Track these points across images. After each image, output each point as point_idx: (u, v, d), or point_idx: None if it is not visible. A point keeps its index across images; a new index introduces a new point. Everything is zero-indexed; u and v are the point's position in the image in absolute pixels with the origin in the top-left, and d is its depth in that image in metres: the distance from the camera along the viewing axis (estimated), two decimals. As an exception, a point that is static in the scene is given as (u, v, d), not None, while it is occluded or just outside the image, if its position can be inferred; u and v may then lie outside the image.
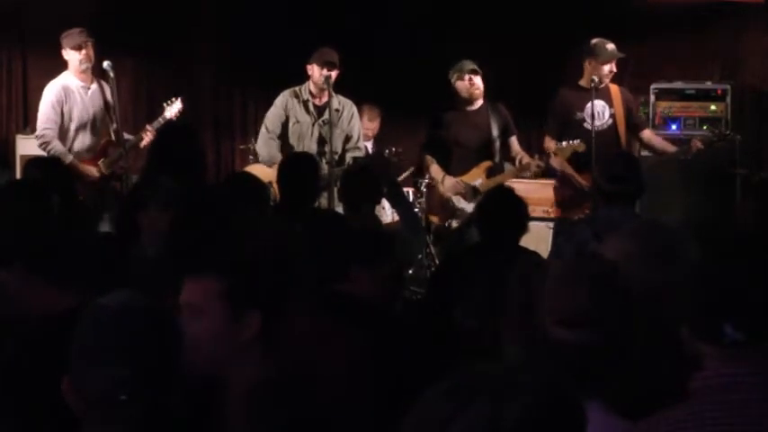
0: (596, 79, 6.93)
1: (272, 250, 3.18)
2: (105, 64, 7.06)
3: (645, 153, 7.51)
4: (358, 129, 7.44)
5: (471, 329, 3.38)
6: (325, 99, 7.20)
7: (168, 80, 9.37)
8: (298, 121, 7.29)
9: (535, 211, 5.93)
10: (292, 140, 7.26)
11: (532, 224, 5.08)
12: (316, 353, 2.70)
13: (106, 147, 7.11)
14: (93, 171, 7.02)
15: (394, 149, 7.59)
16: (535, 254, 4.77)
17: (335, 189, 6.65)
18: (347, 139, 7.33)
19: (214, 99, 9.67)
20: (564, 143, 7.04)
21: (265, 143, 7.31)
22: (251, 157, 8.05)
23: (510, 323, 2.64)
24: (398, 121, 9.04)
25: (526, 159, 7.30)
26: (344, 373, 2.84)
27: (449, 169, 7.42)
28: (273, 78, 8.05)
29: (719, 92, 8.42)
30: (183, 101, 7.28)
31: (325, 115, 7.18)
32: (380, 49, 9.11)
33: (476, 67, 7.36)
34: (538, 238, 6.38)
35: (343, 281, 3.42)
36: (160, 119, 7.14)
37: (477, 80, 7.36)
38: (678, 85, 8.49)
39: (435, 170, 7.45)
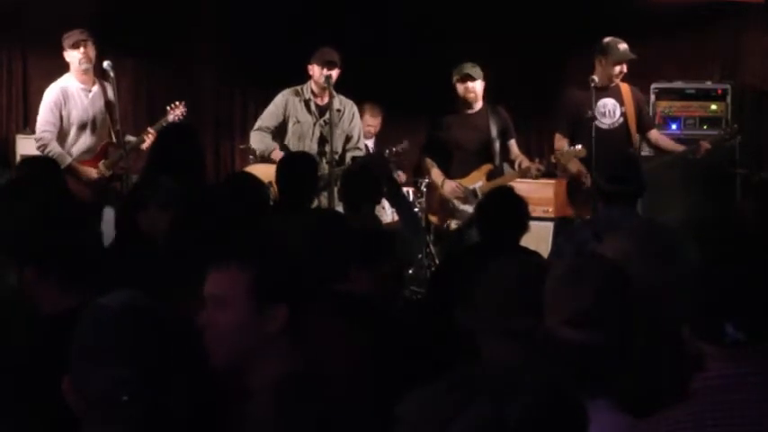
0: (596, 79, 6.92)
1: (297, 246, 3.20)
2: (105, 64, 7.06)
3: (645, 153, 7.50)
4: (358, 129, 7.44)
5: (471, 329, 3.37)
6: (326, 99, 7.20)
7: (168, 80, 9.37)
8: (298, 121, 7.29)
9: (535, 211, 5.91)
10: (293, 140, 7.26)
11: (532, 224, 5.08)
12: (319, 352, 2.70)
13: (106, 148, 7.12)
14: (92, 172, 7.02)
15: (394, 149, 7.59)
16: (536, 254, 4.77)
17: (336, 189, 6.65)
18: (348, 139, 7.33)
19: (214, 99, 9.67)
20: (565, 149, 7.04)
21: (259, 137, 7.34)
22: (251, 157, 8.05)
23: (484, 321, 2.65)
24: (398, 121, 9.05)
25: (526, 163, 7.30)
26: (346, 373, 2.84)
27: (448, 172, 7.42)
28: (273, 78, 8.05)
29: (720, 91, 8.43)
30: (185, 105, 7.28)
31: (327, 115, 7.18)
32: (380, 50, 9.11)
33: (471, 72, 7.32)
34: (538, 238, 6.38)
35: (343, 281, 3.42)
36: (162, 121, 7.15)
37: (472, 85, 7.33)
38: (678, 84, 8.50)
39: (435, 174, 7.44)
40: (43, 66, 8.74)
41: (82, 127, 7.09)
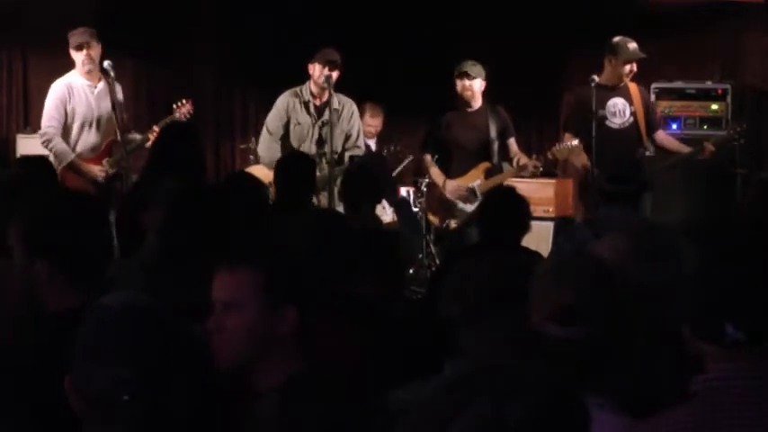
0: (596, 78, 6.92)
1: (297, 246, 3.19)
2: (105, 64, 7.06)
3: (648, 153, 7.50)
4: (358, 127, 7.43)
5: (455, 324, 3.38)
6: (325, 98, 7.20)
7: (168, 80, 9.38)
8: (299, 123, 7.29)
9: (536, 210, 5.92)
10: (293, 142, 7.25)
11: (533, 224, 5.07)
12: (325, 353, 2.70)
13: (111, 146, 7.14)
14: (95, 170, 7.04)
15: (393, 147, 7.59)
16: (536, 254, 4.77)
17: (336, 189, 6.65)
18: (347, 138, 7.33)
19: (214, 99, 9.67)
20: (560, 144, 7.04)
21: (267, 146, 7.31)
22: (251, 156, 8.05)
23: (475, 319, 2.66)
24: (399, 121, 9.05)
25: (524, 160, 7.30)
26: (346, 373, 2.84)
27: (447, 170, 7.42)
28: (273, 78, 8.05)
29: (720, 91, 8.43)
30: (192, 103, 7.28)
31: (326, 115, 7.17)
32: (380, 49, 9.11)
33: (469, 70, 7.32)
34: (538, 238, 6.38)
35: (345, 281, 3.41)
36: (168, 120, 7.16)
37: (468, 83, 7.34)
38: (678, 84, 8.50)
39: (436, 174, 7.44)
40: (43, 65, 8.74)
41: (86, 124, 7.12)
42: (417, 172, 8.20)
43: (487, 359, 2.41)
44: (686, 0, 9.08)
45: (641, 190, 5.01)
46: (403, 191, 8.28)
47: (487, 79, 7.43)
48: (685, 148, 7.32)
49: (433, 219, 7.61)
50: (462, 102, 7.42)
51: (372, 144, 8.76)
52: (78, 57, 7.08)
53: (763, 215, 4.71)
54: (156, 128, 7.02)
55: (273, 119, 7.35)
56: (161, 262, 3.73)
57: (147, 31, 9.10)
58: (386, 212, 7.83)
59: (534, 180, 7.68)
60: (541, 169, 7.44)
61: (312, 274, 2.58)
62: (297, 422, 2.33)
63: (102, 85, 7.15)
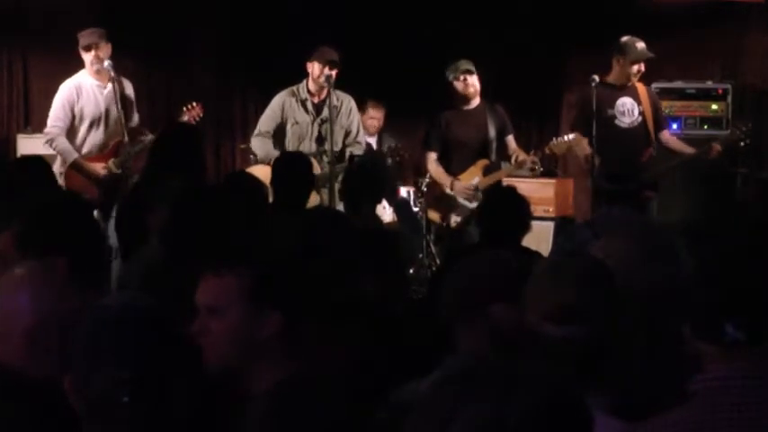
0: (597, 78, 6.91)
1: (291, 250, 3.18)
2: (106, 63, 7.09)
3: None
4: (357, 123, 7.42)
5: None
6: (324, 95, 7.20)
7: (168, 80, 9.37)
8: (297, 122, 7.28)
9: (536, 210, 5.91)
10: (293, 141, 7.25)
11: (533, 224, 5.07)
12: (318, 354, 2.70)
13: (118, 146, 7.15)
14: (99, 169, 7.05)
15: (394, 144, 7.58)
16: (536, 253, 4.77)
17: (336, 188, 6.65)
18: (347, 134, 7.32)
19: (214, 99, 9.65)
20: (557, 139, 7.06)
21: (260, 143, 7.34)
22: (251, 156, 8.04)
23: (449, 310, 2.67)
24: (399, 121, 9.05)
25: (522, 156, 7.32)
26: (344, 374, 2.84)
27: (447, 168, 7.43)
28: (273, 78, 8.04)
29: (720, 91, 8.43)
30: (202, 106, 7.30)
31: (324, 113, 7.17)
32: (380, 49, 9.11)
33: (470, 66, 7.36)
34: (539, 238, 6.38)
35: (345, 280, 3.41)
36: (177, 122, 7.17)
37: (472, 79, 7.36)
38: (679, 84, 8.50)
39: (440, 174, 7.44)
40: (44, 66, 8.74)
41: (93, 123, 7.18)
42: (417, 172, 8.19)
43: (484, 357, 2.41)
44: (687, 0, 9.08)
45: (642, 189, 5.00)
46: (403, 191, 8.28)
47: (487, 79, 7.45)
48: (690, 150, 7.31)
49: (434, 216, 7.60)
50: (460, 100, 7.42)
51: (373, 142, 8.76)
52: (87, 57, 7.15)
53: (763, 215, 4.71)
54: None
55: (267, 119, 7.35)
56: (163, 262, 3.73)
57: (147, 31, 9.09)
58: (386, 212, 7.83)
59: (534, 180, 7.68)
60: (541, 169, 7.44)
61: (300, 277, 2.58)
62: (282, 426, 2.33)
63: (111, 84, 7.18)
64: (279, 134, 7.33)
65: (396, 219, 7.36)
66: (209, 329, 2.42)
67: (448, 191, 7.41)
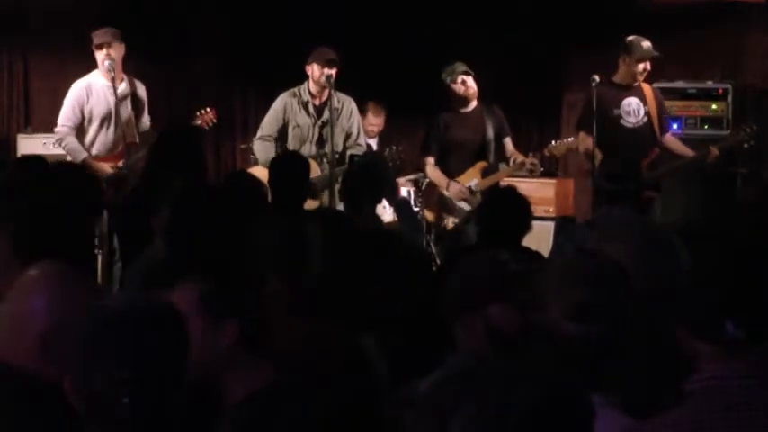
0: (597, 78, 6.92)
1: (249, 255, 3.18)
2: (106, 64, 7.10)
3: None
4: (358, 125, 7.42)
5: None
6: (324, 97, 7.20)
7: (168, 80, 9.36)
8: (298, 125, 7.28)
9: (536, 210, 5.91)
10: (294, 144, 7.25)
11: (533, 224, 5.07)
12: (315, 355, 2.70)
13: (129, 147, 7.17)
14: (107, 169, 7.06)
15: (395, 147, 7.59)
16: (537, 253, 4.77)
17: (337, 189, 6.64)
18: (347, 136, 7.32)
19: (214, 99, 9.65)
20: (557, 141, 7.06)
21: (262, 147, 7.33)
22: (252, 156, 8.05)
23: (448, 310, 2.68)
24: (398, 121, 9.05)
25: (520, 158, 7.32)
26: (344, 373, 2.83)
27: (445, 170, 7.43)
28: (273, 78, 8.05)
29: (720, 91, 8.43)
30: (215, 114, 7.31)
31: (325, 115, 7.17)
32: (380, 49, 9.10)
33: (467, 68, 7.36)
34: (539, 238, 6.38)
35: (346, 280, 3.41)
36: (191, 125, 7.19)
37: (470, 81, 7.37)
38: (679, 84, 8.49)
39: (437, 176, 7.45)
40: (44, 66, 8.74)
41: (104, 123, 7.21)
42: (417, 172, 8.18)
43: (484, 357, 2.41)
44: (687, 0, 9.08)
45: (643, 190, 5.00)
46: (403, 191, 8.27)
47: (487, 79, 7.45)
48: (690, 153, 7.31)
49: (429, 215, 7.61)
50: (457, 102, 7.42)
51: (374, 144, 8.76)
52: (98, 56, 7.18)
53: (763, 215, 4.71)
54: None
55: (270, 122, 7.35)
56: (163, 262, 3.73)
57: (147, 31, 9.09)
58: (386, 212, 7.83)
59: (535, 180, 7.68)
60: (541, 169, 7.45)
61: (256, 284, 2.60)
62: None
63: (124, 85, 7.21)
64: (281, 137, 7.33)
65: (396, 219, 7.36)
66: None
67: (444, 192, 7.41)
